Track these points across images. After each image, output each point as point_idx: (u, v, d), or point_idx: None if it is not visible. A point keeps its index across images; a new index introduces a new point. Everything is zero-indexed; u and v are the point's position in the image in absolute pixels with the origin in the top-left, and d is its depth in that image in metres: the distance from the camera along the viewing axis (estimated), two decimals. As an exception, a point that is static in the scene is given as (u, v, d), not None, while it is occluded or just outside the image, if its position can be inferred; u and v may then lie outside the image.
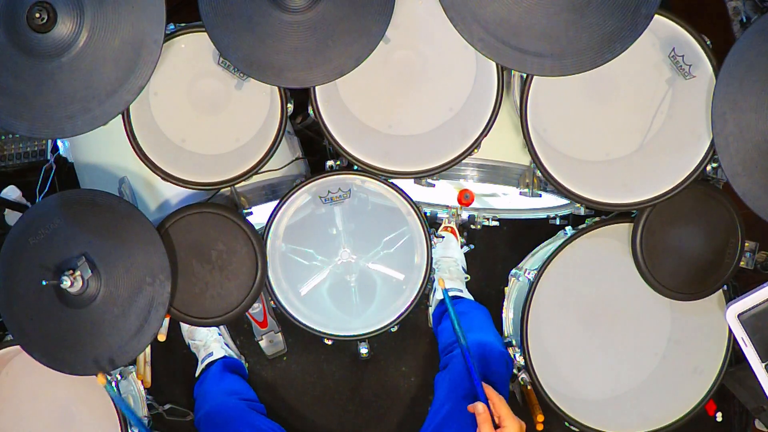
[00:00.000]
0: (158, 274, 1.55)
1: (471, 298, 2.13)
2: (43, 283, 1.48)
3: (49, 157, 2.06)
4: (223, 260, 1.69)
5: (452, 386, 1.73)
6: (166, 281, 1.56)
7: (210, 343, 2.15)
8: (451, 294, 2.08)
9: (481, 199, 2.07)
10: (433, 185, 1.73)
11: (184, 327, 2.20)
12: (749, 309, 1.55)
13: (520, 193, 1.74)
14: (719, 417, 1.99)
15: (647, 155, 1.65)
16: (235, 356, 2.19)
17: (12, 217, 2.06)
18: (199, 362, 2.16)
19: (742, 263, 1.67)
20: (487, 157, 1.74)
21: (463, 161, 1.65)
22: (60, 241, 1.55)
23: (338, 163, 1.75)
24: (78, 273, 1.50)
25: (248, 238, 1.70)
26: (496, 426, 1.35)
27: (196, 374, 2.15)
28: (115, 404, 1.60)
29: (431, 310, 2.15)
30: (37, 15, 1.39)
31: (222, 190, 1.73)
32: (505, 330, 1.97)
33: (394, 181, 1.73)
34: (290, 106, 1.65)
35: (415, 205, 1.74)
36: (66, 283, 1.48)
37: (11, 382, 1.73)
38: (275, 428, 1.91)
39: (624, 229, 1.70)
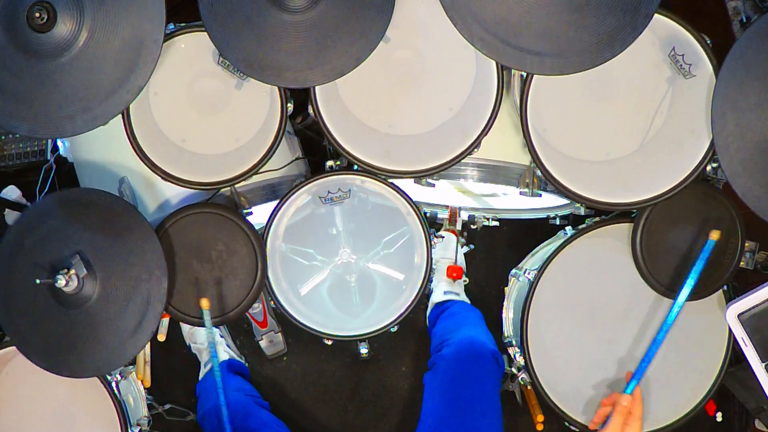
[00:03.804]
0: (154, 270, 1.55)
1: (467, 300, 2.13)
2: (36, 281, 1.46)
3: (49, 157, 2.06)
4: (223, 260, 1.69)
5: (441, 390, 1.73)
6: (163, 277, 1.55)
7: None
8: (445, 297, 2.09)
9: (481, 199, 2.07)
10: (433, 185, 1.73)
11: (185, 328, 2.21)
12: (749, 309, 1.55)
13: (520, 193, 1.73)
14: (719, 417, 1.99)
15: (647, 155, 1.65)
16: (237, 359, 2.19)
17: (12, 217, 2.05)
18: (202, 366, 2.16)
19: (742, 263, 1.67)
20: (487, 157, 1.74)
21: (463, 161, 1.65)
22: (56, 240, 1.54)
23: (338, 163, 1.75)
24: (73, 272, 1.48)
25: (248, 238, 1.69)
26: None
27: (200, 377, 2.15)
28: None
29: (428, 311, 2.15)
30: (37, 15, 1.39)
31: (222, 190, 1.73)
32: (505, 330, 1.97)
33: (394, 180, 1.73)
34: (290, 106, 1.65)
35: (415, 205, 1.74)
36: (61, 282, 1.46)
37: (11, 382, 1.73)
38: (280, 424, 1.91)
39: (624, 229, 1.69)
